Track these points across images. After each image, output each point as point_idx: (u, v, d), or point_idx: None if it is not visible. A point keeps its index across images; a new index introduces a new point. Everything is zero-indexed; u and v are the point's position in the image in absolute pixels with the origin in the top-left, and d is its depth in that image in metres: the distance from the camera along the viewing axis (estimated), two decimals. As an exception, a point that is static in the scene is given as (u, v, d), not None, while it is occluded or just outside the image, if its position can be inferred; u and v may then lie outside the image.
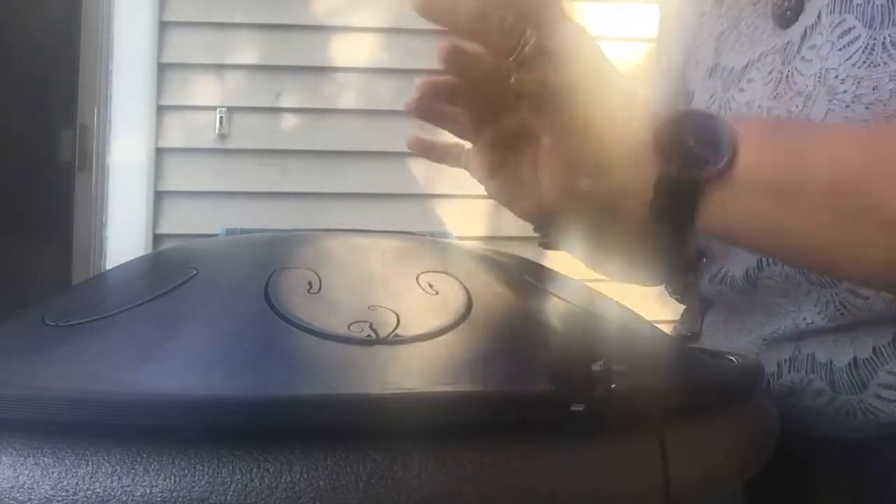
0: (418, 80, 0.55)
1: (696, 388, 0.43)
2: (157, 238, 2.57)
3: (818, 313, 0.59)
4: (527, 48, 0.47)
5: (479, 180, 0.62)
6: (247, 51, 2.62)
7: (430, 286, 0.44)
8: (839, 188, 0.47)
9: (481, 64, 0.50)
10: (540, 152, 0.56)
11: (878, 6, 0.55)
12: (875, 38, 0.55)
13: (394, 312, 0.40)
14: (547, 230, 0.64)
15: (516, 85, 0.48)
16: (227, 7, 2.60)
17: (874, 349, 0.57)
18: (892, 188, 0.46)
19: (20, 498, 0.33)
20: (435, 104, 0.56)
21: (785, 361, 0.62)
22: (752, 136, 0.49)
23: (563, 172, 0.53)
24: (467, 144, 0.62)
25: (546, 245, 0.65)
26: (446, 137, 0.62)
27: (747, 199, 0.49)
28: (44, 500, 0.33)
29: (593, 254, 0.72)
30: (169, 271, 0.47)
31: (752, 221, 0.49)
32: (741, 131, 0.49)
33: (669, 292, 0.79)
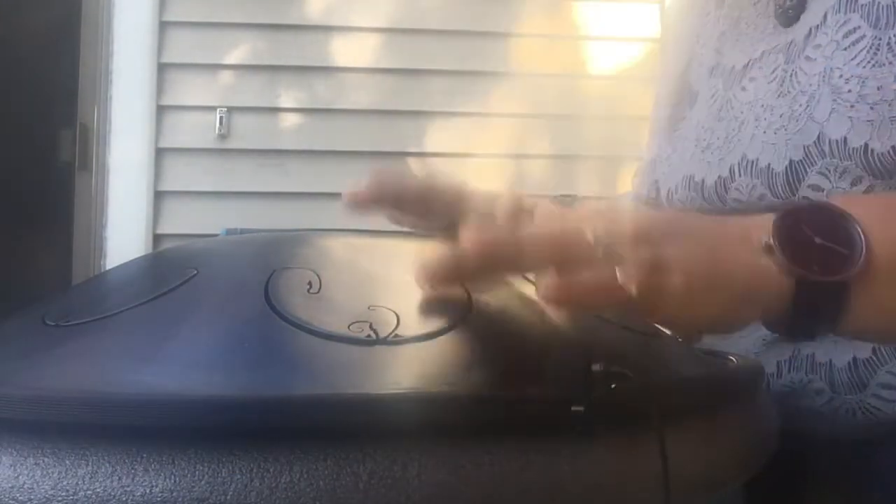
0: None
1: (696, 388, 0.43)
2: (157, 238, 2.57)
3: None
4: (610, 255, 0.41)
5: None
6: (247, 51, 2.62)
7: (430, 286, 0.44)
8: None
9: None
10: None
11: (883, 6, 0.55)
12: (880, 38, 0.55)
13: (394, 312, 0.40)
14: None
15: (624, 294, 0.41)
16: (227, 7, 2.60)
17: (874, 349, 0.58)
18: None
19: (20, 498, 0.33)
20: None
21: (784, 362, 0.62)
22: (870, 219, 0.44)
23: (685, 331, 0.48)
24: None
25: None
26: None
27: (890, 289, 0.44)
28: (44, 500, 0.33)
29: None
30: (169, 271, 0.47)
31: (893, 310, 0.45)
32: (856, 214, 0.44)
33: None
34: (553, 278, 0.40)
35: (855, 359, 0.58)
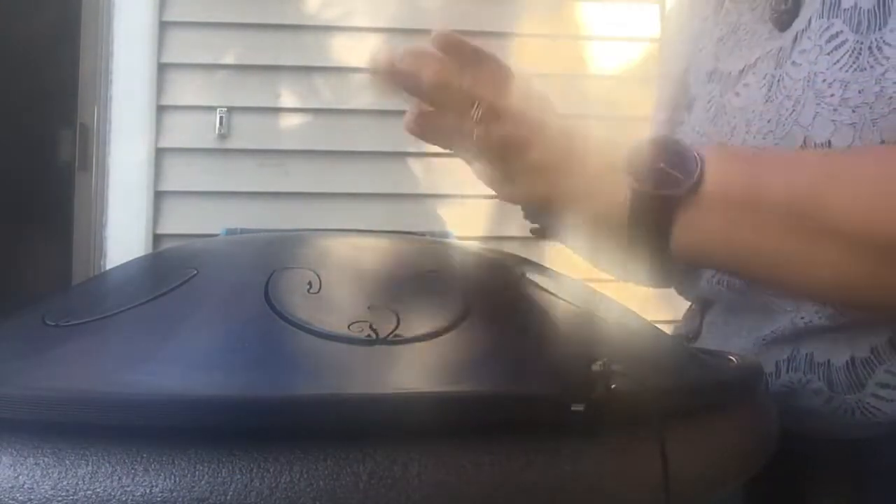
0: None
1: (696, 388, 0.43)
2: (157, 238, 2.57)
3: (816, 313, 0.59)
4: (482, 109, 0.55)
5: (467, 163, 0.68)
6: (247, 51, 2.62)
7: (430, 286, 0.44)
8: (794, 205, 0.51)
9: (444, 124, 0.58)
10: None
11: (865, 11, 0.55)
12: (862, 43, 0.55)
13: (394, 312, 0.40)
14: (536, 219, 0.67)
15: (478, 141, 0.55)
16: (227, 7, 2.60)
17: (872, 349, 0.58)
18: (840, 206, 0.50)
19: (20, 498, 0.33)
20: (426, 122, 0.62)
21: (783, 361, 0.62)
22: (716, 159, 0.53)
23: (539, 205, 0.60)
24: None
25: (538, 234, 0.68)
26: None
27: (714, 217, 0.52)
28: (44, 500, 0.33)
29: (584, 246, 0.73)
30: (169, 271, 0.47)
31: (718, 239, 0.53)
32: (706, 154, 0.53)
33: (678, 291, 0.79)
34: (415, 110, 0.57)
35: (853, 358, 0.58)
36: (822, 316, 0.59)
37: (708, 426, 0.42)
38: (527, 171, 0.56)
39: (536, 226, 0.69)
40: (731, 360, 0.53)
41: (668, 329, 0.54)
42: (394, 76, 0.56)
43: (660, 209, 0.52)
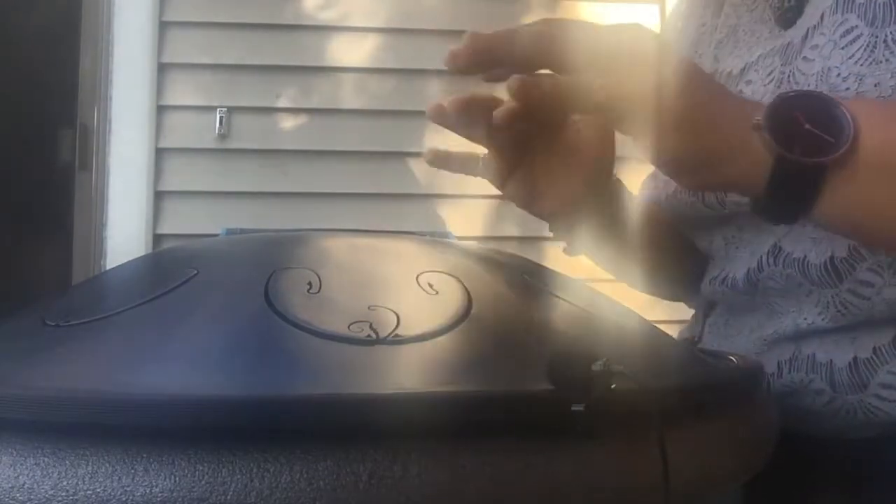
0: (465, 98, 0.57)
1: (696, 389, 0.43)
2: (157, 238, 2.57)
3: (819, 314, 0.59)
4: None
5: (496, 186, 0.63)
6: (247, 51, 2.62)
7: (430, 286, 0.44)
8: None
9: (553, 88, 0.47)
10: (553, 160, 0.57)
11: (880, 5, 0.55)
12: (877, 36, 0.55)
13: (394, 312, 0.40)
14: (563, 232, 0.65)
15: (600, 94, 0.46)
16: (227, 7, 2.60)
17: (874, 349, 0.58)
18: None
19: (20, 498, 0.33)
20: (463, 114, 0.56)
21: (785, 362, 0.62)
22: (872, 116, 0.47)
23: (668, 170, 0.51)
24: (481, 152, 0.64)
25: (568, 251, 0.66)
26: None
27: (871, 183, 0.46)
28: (44, 500, 0.33)
29: (612, 258, 0.74)
30: (169, 271, 0.47)
31: (868, 207, 0.48)
32: (856, 110, 0.46)
33: (685, 301, 0.79)
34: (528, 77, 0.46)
35: (856, 359, 0.58)
36: (824, 317, 0.59)
37: (708, 426, 0.42)
38: (657, 127, 0.47)
39: (565, 243, 0.67)
40: (731, 360, 0.53)
41: (667, 329, 0.54)
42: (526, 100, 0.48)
43: (807, 177, 0.46)
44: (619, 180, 0.69)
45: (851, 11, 0.56)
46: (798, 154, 0.46)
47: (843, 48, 0.56)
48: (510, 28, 0.48)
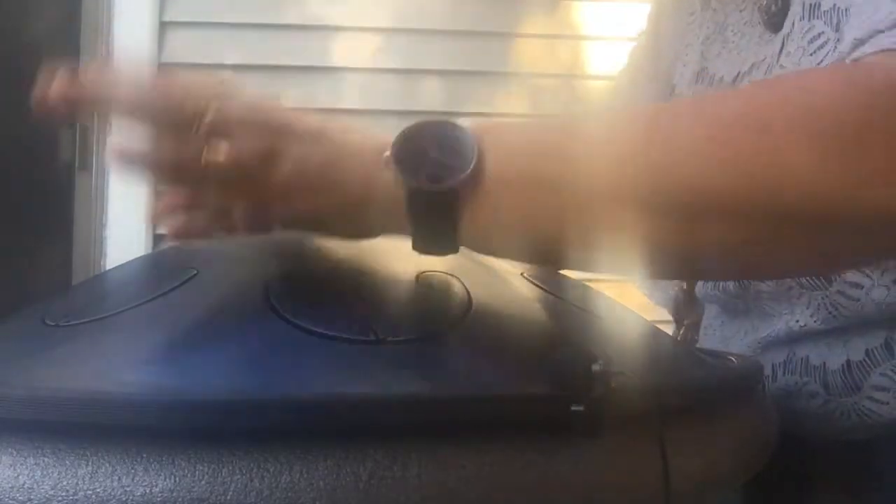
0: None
1: (696, 388, 0.43)
2: (157, 238, 2.57)
3: (811, 316, 0.60)
4: (208, 117, 0.45)
5: None
6: (247, 51, 2.62)
7: (430, 286, 0.44)
8: (593, 174, 0.44)
9: (159, 150, 0.47)
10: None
11: (843, 11, 0.56)
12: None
13: (394, 312, 0.40)
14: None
15: (206, 163, 0.45)
16: (227, 7, 2.60)
17: (867, 351, 0.58)
18: (644, 171, 0.43)
19: (20, 498, 0.33)
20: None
21: (779, 364, 0.62)
22: (494, 135, 0.46)
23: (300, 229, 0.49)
24: None
25: None
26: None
27: (506, 197, 0.45)
28: (44, 500, 0.33)
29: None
30: (169, 271, 0.47)
31: (513, 221, 0.45)
32: (482, 132, 0.45)
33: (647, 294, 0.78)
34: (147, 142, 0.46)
35: (848, 361, 0.58)
36: (816, 319, 0.59)
37: (708, 426, 0.42)
38: (282, 191, 0.46)
39: None
40: (731, 360, 0.53)
41: (667, 329, 0.54)
42: (78, 97, 0.48)
43: (439, 203, 0.44)
44: None
45: (818, 18, 0.57)
46: (425, 182, 0.44)
47: (811, 54, 0.57)
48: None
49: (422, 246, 0.45)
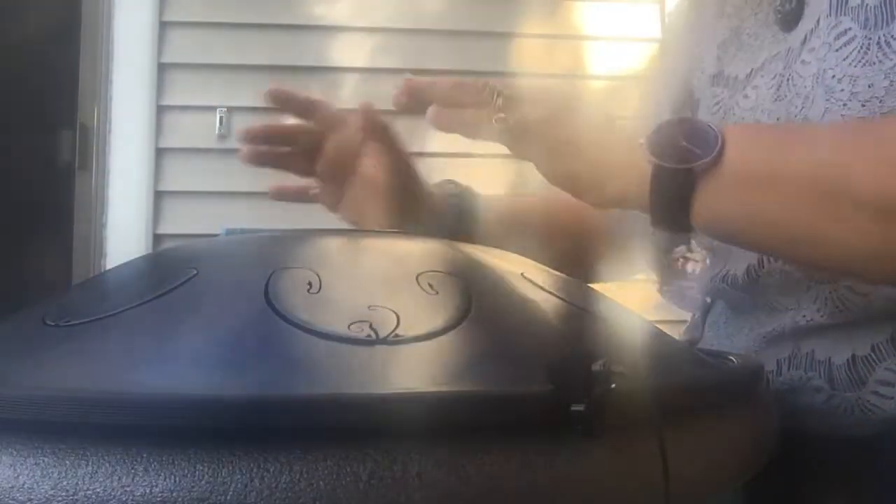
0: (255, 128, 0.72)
1: (696, 388, 0.43)
2: (157, 238, 2.57)
3: (818, 310, 0.60)
4: (500, 99, 0.56)
5: (329, 210, 0.75)
6: (247, 51, 2.62)
7: (430, 286, 0.44)
8: (818, 175, 0.51)
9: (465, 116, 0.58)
10: (371, 185, 0.69)
11: (871, 8, 0.57)
12: (870, 38, 0.56)
13: (394, 312, 0.40)
14: None
15: (500, 126, 0.56)
16: (227, 7, 2.60)
17: (872, 346, 0.58)
18: (865, 172, 0.50)
19: (20, 498, 0.33)
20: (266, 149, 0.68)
21: (784, 359, 0.62)
22: (737, 134, 0.54)
23: (562, 187, 0.59)
24: (313, 183, 0.77)
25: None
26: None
27: (736, 191, 0.53)
28: (44, 500, 0.33)
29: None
30: (169, 271, 0.47)
31: (740, 213, 0.53)
32: (727, 130, 0.53)
33: (666, 297, 0.79)
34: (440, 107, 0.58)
35: (854, 356, 0.58)
36: (823, 314, 0.59)
37: (708, 426, 0.42)
38: (550, 150, 0.57)
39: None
40: (731, 360, 0.53)
41: (667, 329, 0.54)
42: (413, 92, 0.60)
43: (681, 183, 0.53)
44: (462, 193, 0.77)
45: (845, 14, 0.57)
46: (670, 163, 0.53)
47: (837, 50, 0.57)
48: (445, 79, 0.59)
49: (659, 222, 0.55)
